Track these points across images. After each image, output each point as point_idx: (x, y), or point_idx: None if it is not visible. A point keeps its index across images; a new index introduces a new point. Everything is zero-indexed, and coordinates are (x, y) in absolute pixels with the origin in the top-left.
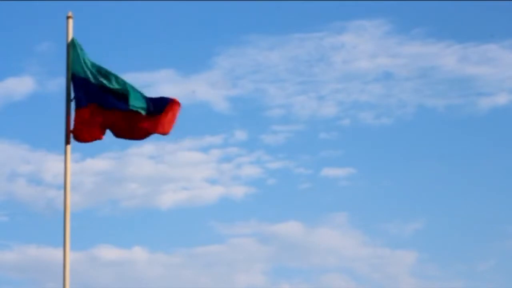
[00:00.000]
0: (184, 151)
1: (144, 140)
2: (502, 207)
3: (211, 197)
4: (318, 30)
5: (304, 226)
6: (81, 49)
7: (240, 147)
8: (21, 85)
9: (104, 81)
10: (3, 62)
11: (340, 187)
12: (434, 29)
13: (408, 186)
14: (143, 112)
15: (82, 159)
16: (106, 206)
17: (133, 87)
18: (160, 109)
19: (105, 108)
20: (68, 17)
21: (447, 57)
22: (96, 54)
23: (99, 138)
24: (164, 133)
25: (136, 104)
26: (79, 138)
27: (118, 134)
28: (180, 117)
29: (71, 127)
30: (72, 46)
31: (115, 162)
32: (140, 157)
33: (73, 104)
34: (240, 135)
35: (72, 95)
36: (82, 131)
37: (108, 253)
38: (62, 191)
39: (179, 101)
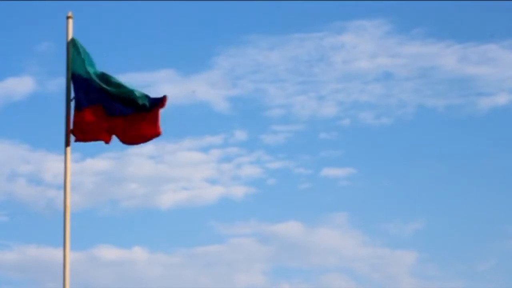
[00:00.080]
0: (184, 151)
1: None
2: (502, 207)
3: (211, 197)
4: (318, 30)
5: (304, 226)
6: (85, 51)
7: (240, 147)
8: (21, 85)
9: (107, 87)
10: (3, 62)
11: (340, 187)
12: (434, 29)
13: (408, 186)
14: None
15: (82, 159)
16: (106, 206)
17: (133, 90)
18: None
19: (109, 114)
20: (68, 17)
21: (447, 57)
22: (96, 54)
23: (105, 141)
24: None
25: (143, 101)
26: (79, 138)
27: (124, 140)
28: (180, 117)
29: (71, 127)
30: (72, 45)
31: (115, 162)
32: (140, 157)
33: (73, 104)
34: (240, 135)
35: (72, 94)
36: (83, 131)
37: (108, 253)
38: (62, 191)
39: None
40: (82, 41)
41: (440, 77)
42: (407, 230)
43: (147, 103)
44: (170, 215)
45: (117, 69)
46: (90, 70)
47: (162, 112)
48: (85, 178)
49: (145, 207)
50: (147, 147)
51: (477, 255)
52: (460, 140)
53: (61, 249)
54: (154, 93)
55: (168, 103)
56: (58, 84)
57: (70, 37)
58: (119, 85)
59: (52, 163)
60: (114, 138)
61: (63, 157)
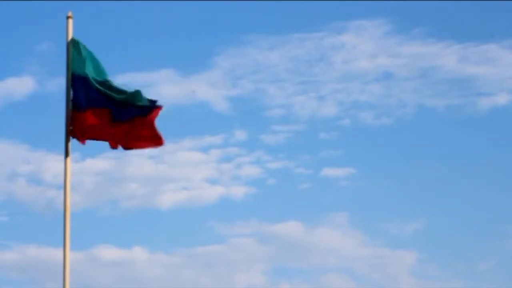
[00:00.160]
0: (184, 151)
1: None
2: (502, 207)
3: (211, 197)
4: (318, 30)
5: (304, 226)
6: (93, 57)
7: (240, 147)
8: (21, 85)
9: (112, 94)
10: (3, 62)
11: (340, 187)
12: (434, 29)
13: (408, 186)
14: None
15: (82, 159)
16: (106, 206)
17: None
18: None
19: (116, 120)
20: (68, 17)
21: (447, 57)
22: (96, 54)
23: (111, 146)
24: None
25: (144, 102)
26: (80, 140)
27: (126, 145)
28: (180, 117)
29: (71, 127)
30: (72, 45)
31: (115, 162)
32: (140, 157)
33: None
34: (240, 135)
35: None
36: (84, 133)
37: (108, 253)
38: (62, 191)
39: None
40: (82, 41)
41: (440, 77)
42: (407, 230)
43: (146, 104)
44: (170, 215)
45: (117, 69)
46: (92, 73)
47: (162, 112)
48: (85, 178)
49: (145, 207)
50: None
51: (477, 255)
52: (460, 140)
53: (61, 249)
54: (154, 93)
55: (168, 103)
56: (58, 84)
57: (70, 37)
58: (122, 92)
59: (52, 163)
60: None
61: (63, 157)
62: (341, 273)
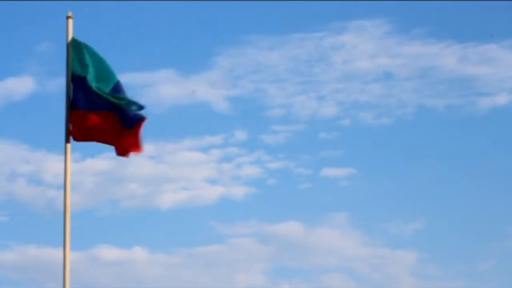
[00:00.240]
0: (184, 151)
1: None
2: (502, 207)
3: (211, 197)
4: (318, 30)
5: (304, 226)
6: (93, 58)
7: (240, 147)
8: (21, 85)
9: (110, 98)
10: (3, 62)
11: (340, 187)
12: (434, 29)
13: (408, 186)
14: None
15: (82, 159)
16: (106, 206)
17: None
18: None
19: (125, 127)
20: (68, 17)
21: (447, 57)
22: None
23: (118, 153)
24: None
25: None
26: (79, 138)
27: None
28: (180, 117)
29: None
30: (73, 45)
31: (115, 162)
32: (140, 157)
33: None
34: (240, 135)
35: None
36: (84, 131)
37: (108, 253)
38: (62, 191)
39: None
40: (87, 43)
41: (440, 77)
42: (407, 230)
43: (137, 109)
44: (170, 215)
45: (117, 69)
46: (93, 82)
47: (162, 112)
48: (85, 178)
49: (145, 207)
50: (147, 147)
51: (477, 255)
52: (460, 140)
53: (61, 249)
54: (154, 93)
55: (168, 103)
56: (58, 84)
57: (70, 37)
58: (122, 98)
59: (52, 163)
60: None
61: (63, 157)
62: (341, 273)
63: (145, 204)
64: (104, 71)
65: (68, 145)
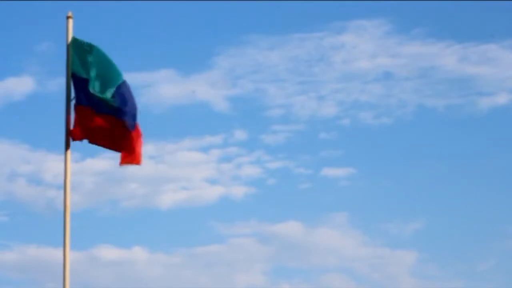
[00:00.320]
0: (184, 151)
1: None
2: (502, 207)
3: (211, 197)
4: (318, 30)
5: (304, 226)
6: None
7: (240, 147)
8: (21, 85)
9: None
10: (3, 62)
11: (340, 187)
12: (434, 29)
13: (408, 186)
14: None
15: (82, 159)
16: (106, 206)
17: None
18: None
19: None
20: (68, 17)
21: (447, 57)
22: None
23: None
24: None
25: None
26: (82, 136)
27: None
28: (180, 117)
29: (71, 127)
30: (74, 45)
31: (115, 162)
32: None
33: (73, 104)
34: (240, 135)
35: (73, 95)
36: (87, 131)
37: (108, 253)
38: (62, 191)
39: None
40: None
41: (440, 77)
42: (407, 230)
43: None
44: (170, 215)
45: None
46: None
47: (162, 112)
48: (85, 178)
49: (145, 207)
50: (147, 147)
51: (477, 255)
52: (460, 140)
53: (61, 249)
54: (154, 93)
55: (168, 103)
56: (58, 84)
57: (70, 37)
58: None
59: (52, 163)
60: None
61: (63, 157)
62: (341, 273)
63: (145, 204)
64: (108, 71)
65: (68, 145)
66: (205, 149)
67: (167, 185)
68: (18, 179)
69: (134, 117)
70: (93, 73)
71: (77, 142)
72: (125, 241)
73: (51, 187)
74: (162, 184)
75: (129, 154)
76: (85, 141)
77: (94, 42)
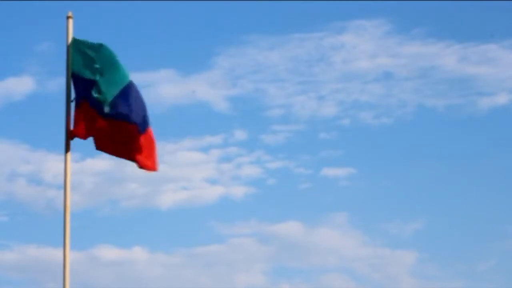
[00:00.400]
0: (184, 151)
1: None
2: (502, 207)
3: (211, 197)
4: (318, 30)
5: (304, 226)
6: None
7: (240, 147)
8: (21, 85)
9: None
10: (3, 62)
11: (340, 187)
12: (434, 29)
13: (408, 186)
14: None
15: (82, 159)
16: (106, 206)
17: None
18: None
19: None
20: (68, 17)
21: (447, 57)
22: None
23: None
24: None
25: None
26: (83, 134)
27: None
28: (180, 117)
29: (72, 126)
30: (76, 46)
31: (115, 162)
32: None
33: (73, 105)
34: (240, 135)
35: (73, 95)
36: (88, 127)
37: (108, 253)
38: (62, 191)
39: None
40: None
41: (440, 77)
42: (407, 230)
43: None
44: (170, 215)
45: None
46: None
47: (162, 112)
48: (85, 178)
49: (145, 207)
50: None
51: (477, 255)
52: (460, 140)
53: (61, 249)
54: (154, 93)
55: (168, 103)
56: (58, 84)
57: (70, 37)
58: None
59: (52, 163)
60: None
61: (63, 157)
62: (341, 273)
63: (145, 204)
64: (114, 73)
65: (68, 145)
66: (205, 149)
67: (167, 185)
68: (18, 179)
69: (142, 119)
70: (98, 76)
71: (77, 142)
72: (125, 241)
73: (51, 187)
74: (162, 184)
75: (145, 159)
76: (86, 141)
77: (93, 41)
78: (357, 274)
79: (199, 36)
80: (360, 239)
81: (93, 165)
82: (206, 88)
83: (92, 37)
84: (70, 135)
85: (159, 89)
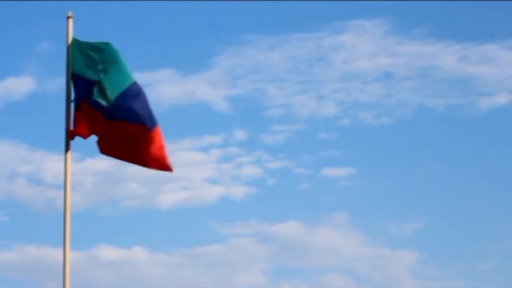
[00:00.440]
0: (184, 151)
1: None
2: (502, 207)
3: (211, 197)
4: (318, 30)
5: (304, 226)
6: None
7: (240, 147)
8: (21, 85)
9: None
10: (3, 62)
11: (340, 187)
12: (434, 29)
13: (408, 186)
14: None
15: (82, 159)
16: (106, 206)
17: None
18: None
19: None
20: (68, 17)
21: (447, 57)
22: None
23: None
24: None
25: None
26: (85, 133)
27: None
28: (180, 117)
29: (72, 126)
30: (75, 45)
31: (115, 162)
32: None
33: (73, 104)
34: (240, 135)
35: (73, 95)
36: (91, 126)
37: (108, 253)
38: (62, 191)
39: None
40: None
41: (440, 77)
42: (407, 230)
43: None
44: (170, 215)
45: None
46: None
47: (162, 112)
48: (85, 178)
49: (145, 207)
50: None
51: (477, 255)
52: (460, 140)
53: (61, 249)
54: (154, 93)
55: (168, 103)
56: (58, 84)
57: (70, 37)
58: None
59: (52, 163)
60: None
61: (63, 157)
62: (341, 273)
63: (145, 204)
64: (118, 73)
65: (68, 145)
66: (205, 149)
67: (167, 185)
68: (18, 179)
69: (149, 117)
70: (101, 75)
71: (77, 142)
72: (125, 241)
73: (51, 187)
74: (162, 184)
75: (155, 160)
76: (86, 141)
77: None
78: (357, 274)
79: (199, 36)
80: (360, 239)
81: (93, 165)
82: (206, 88)
83: (92, 37)
84: (70, 135)
85: (159, 89)
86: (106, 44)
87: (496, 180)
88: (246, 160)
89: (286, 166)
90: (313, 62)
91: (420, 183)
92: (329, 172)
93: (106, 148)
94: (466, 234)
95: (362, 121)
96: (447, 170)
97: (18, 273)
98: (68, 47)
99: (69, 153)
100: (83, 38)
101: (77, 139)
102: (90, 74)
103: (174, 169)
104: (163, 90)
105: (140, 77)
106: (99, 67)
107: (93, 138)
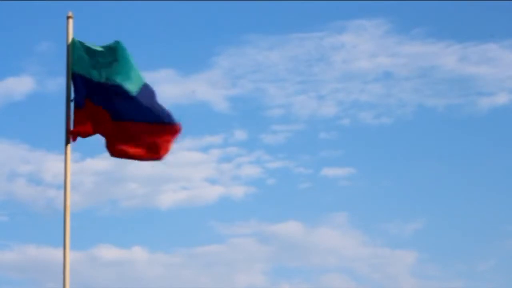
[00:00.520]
0: (184, 151)
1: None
2: (502, 207)
3: (211, 197)
4: (318, 30)
5: (304, 226)
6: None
7: (240, 147)
8: (21, 85)
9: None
10: (3, 62)
11: (340, 187)
12: (434, 29)
13: (408, 186)
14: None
15: (82, 159)
16: (106, 206)
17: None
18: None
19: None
20: (68, 17)
21: (447, 57)
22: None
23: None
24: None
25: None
26: (87, 132)
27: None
28: (180, 117)
29: (71, 127)
30: (76, 45)
31: (115, 162)
32: None
33: (73, 104)
34: (240, 135)
35: (73, 95)
36: (95, 124)
37: (108, 253)
38: (62, 191)
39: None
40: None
41: (440, 77)
42: (407, 230)
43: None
44: (170, 215)
45: None
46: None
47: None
48: (85, 178)
49: (145, 207)
50: None
51: (477, 255)
52: (460, 140)
53: (61, 249)
54: None
55: (168, 103)
56: (58, 84)
57: (70, 37)
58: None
59: (52, 163)
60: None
61: (63, 157)
62: (341, 273)
63: (145, 204)
64: (129, 76)
65: (68, 145)
66: (205, 149)
67: (167, 185)
68: (18, 179)
69: (161, 116)
70: (116, 76)
71: (77, 142)
72: (125, 241)
73: (51, 187)
74: (162, 184)
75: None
76: (86, 141)
77: (94, 42)
78: (357, 274)
79: (199, 36)
80: (360, 239)
81: (93, 165)
82: (206, 88)
83: (92, 37)
84: (70, 135)
85: (159, 89)
86: (117, 44)
87: (496, 180)
88: (246, 160)
89: (286, 166)
90: (313, 62)
91: (420, 183)
92: (329, 172)
93: (116, 150)
94: (466, 234)
95: (362, 121)
96: (447, 170)
97: (18, 273)
98: (68, 47)
99: (69, 153)
100: (83, 38)
101: (77, 139)
102: (95, 75)
103: (163, 158)
104: (163, 90)
105: None
106: (108, 69)
107: (93, 138)
